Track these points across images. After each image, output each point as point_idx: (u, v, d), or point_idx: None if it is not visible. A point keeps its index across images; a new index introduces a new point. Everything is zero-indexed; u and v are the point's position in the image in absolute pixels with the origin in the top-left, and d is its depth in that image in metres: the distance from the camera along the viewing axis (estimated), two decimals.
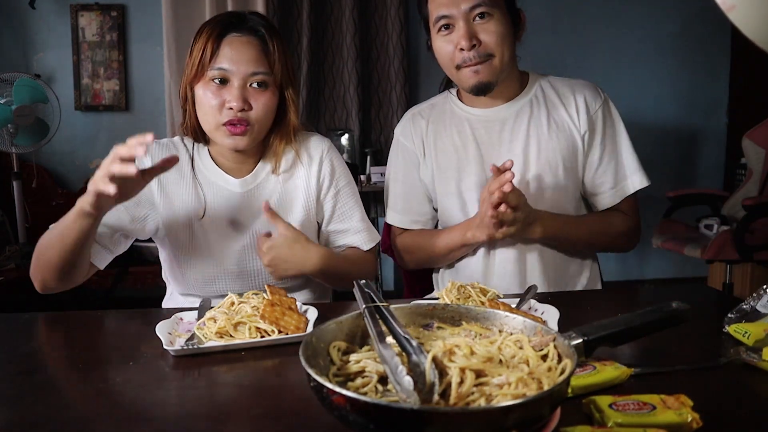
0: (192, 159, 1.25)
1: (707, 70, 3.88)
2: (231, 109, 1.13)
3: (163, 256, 1.29)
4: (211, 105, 1.14)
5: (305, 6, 3.38)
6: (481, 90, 1.27)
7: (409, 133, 1.41)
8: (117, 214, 1.15)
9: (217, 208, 1.23)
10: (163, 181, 1.21)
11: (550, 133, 1.31)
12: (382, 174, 3.29)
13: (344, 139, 3.37)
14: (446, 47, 1.25)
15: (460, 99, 1.40)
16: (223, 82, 1.14)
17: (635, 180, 1.34)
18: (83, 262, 1.10)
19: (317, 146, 1.30)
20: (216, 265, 1.22)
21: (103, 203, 0.98)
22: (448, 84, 1.44)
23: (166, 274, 1.32)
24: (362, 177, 3.25)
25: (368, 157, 3.38)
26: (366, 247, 1.31)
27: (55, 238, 1.05)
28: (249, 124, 1.15)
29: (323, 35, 3.50)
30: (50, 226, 1.11)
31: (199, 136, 1.23)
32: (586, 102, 1.33)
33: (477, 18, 1.22)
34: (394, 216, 1.42)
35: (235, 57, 1.14)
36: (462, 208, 1.35)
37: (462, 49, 1.22)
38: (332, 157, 1.30)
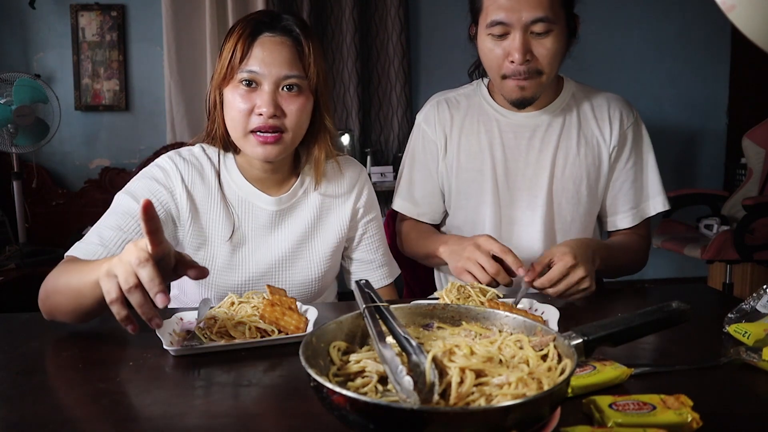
0: (218, 174, 1.16)
1: (707, 70, 3.88)
2: (261, 115, 1.05)
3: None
4: (240, 110, 1.06)
5: (305, 6, 3.38)
6: (523, 104, 1.24)
7: (433, 121, 1.37)
8: (140, 230, 1.05)
9: (247, 228, 1.17)
10: (193, 196, 1.14)
11: (579, 149, 1.29)
12: (383, 174, 3.29)
13: (344, 139, 3.37)
14: (495, 51, 1.19)
15: (490, 93, 1.35)
16: (254, 85, 1.07)
17: (656, 202, 1.32)
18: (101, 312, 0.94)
19: (356, 170, 1.28)
20: (239, 285, 1.16)
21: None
22: (477, 67, 1.38)
23: (176, 283, 1.24)
24: None
25: (368, 157, 3.38)
26: (384, 282, 1.29)
27: (71, 293, 0.91)
28: (282, 132, 1.08)
29: (323, 35, 3.50)
30: (67, 256, 1.00)
31: (228, 144, 1.16)
32: (621, 117, 1.31)
33: (535, 31, 1.15)
34: (402, 204, 1.40)
35: (266, 59, 1.06)
36: (476, 212, 1.33)
37: (512, 62, 1.16)
38: (369, 185, 1.29)
